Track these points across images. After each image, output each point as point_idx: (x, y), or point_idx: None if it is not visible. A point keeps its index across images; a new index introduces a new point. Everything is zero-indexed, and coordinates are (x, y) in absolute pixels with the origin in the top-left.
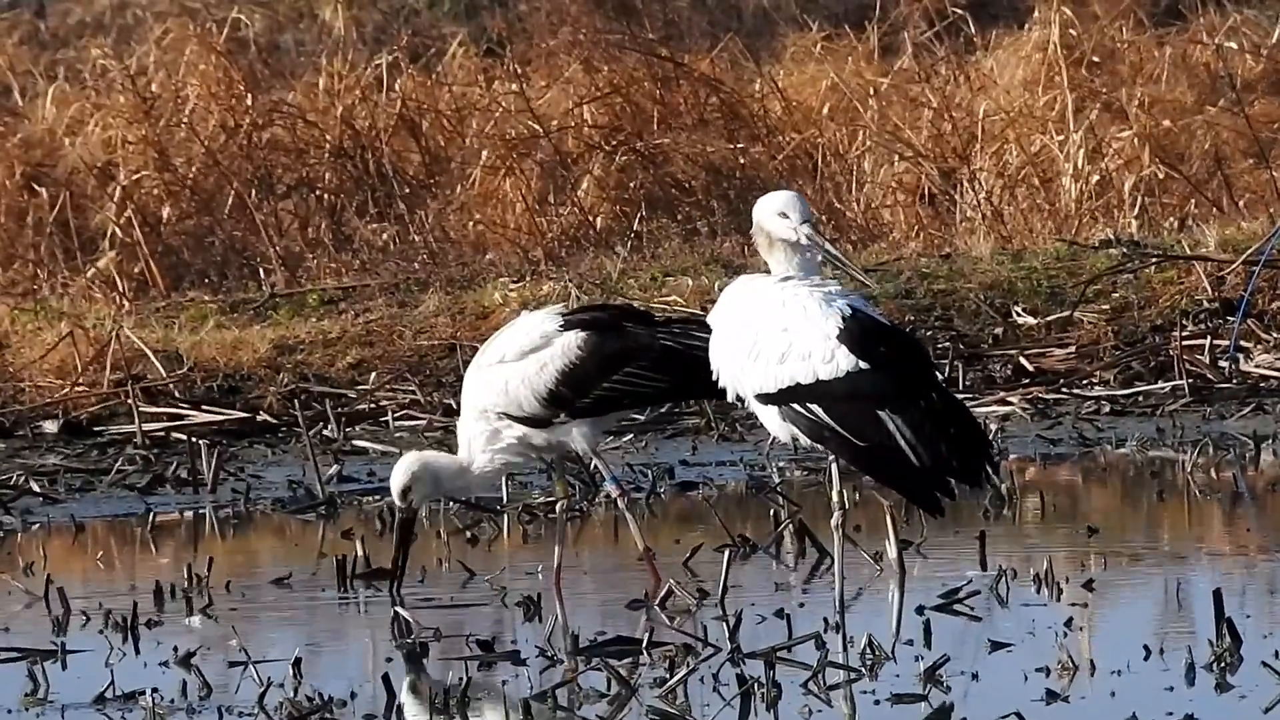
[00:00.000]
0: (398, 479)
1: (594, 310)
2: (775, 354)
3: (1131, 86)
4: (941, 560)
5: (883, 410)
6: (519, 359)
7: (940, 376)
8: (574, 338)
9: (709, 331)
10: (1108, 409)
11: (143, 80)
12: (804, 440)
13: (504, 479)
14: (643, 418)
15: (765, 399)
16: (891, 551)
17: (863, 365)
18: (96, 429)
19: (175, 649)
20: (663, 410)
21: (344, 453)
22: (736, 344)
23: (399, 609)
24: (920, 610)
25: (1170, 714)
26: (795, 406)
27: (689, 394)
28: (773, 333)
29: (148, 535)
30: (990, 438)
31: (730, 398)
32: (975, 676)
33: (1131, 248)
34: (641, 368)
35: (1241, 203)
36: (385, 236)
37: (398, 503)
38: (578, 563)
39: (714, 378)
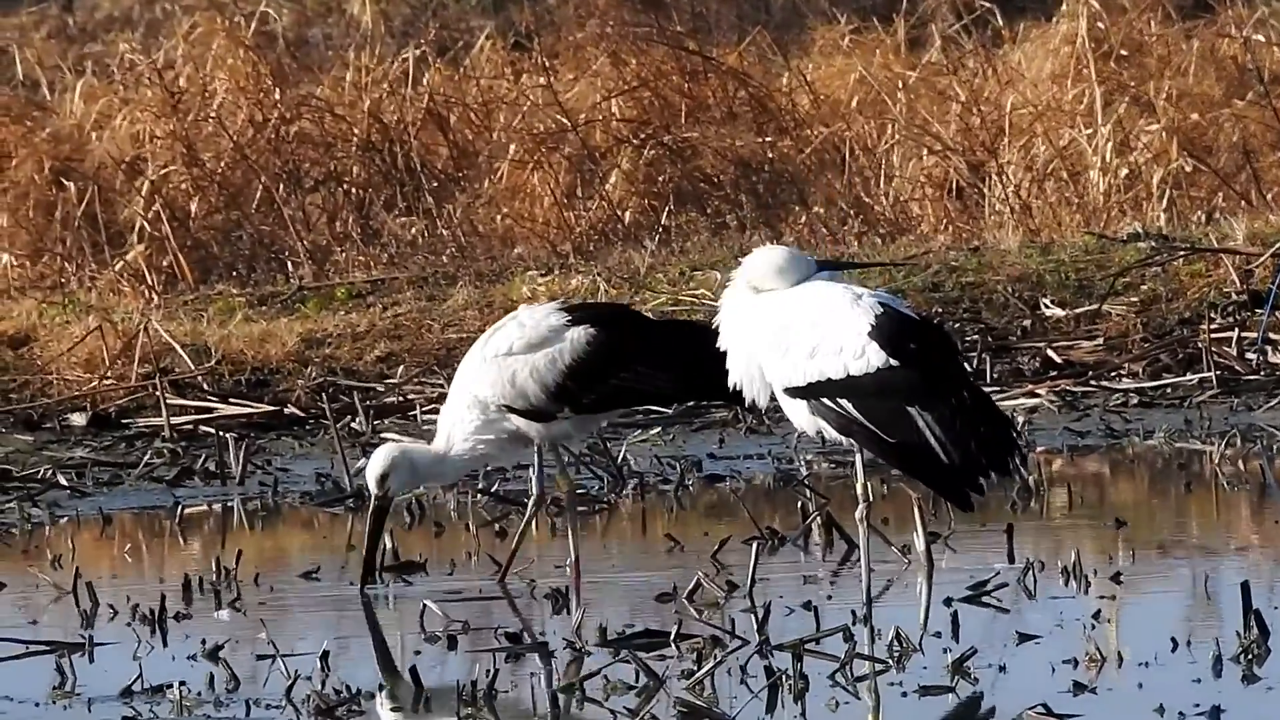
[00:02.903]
0: (375, 467)
1: (594, 308)
2: (805, 348)
3: (1159, 79)
4: (969, 552)
5: (912, 407)
6: (528, 352)
7: (969, 370)
8: (584, 333)
9: (707, 333)
10: (1135, 401)
11: (170, 74)
12: (830, 434)
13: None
14: (671, 411)
15: (794, 393)
16: (919, 544)
17: (893, 362)
18: (124, 422)
19: (203, 642)
20: (689, 404)
21: (372, 446)
22: (762, 339)
23: (428, 602)
24: (948, 602)
25: (1197, 705)
26: (825, 401)
27: (689, 395)
28: (803, 327)
29: (176, 528)
30: (1018, 432)
31: (748, 400)
32: (1003, 668)
33: (1159, 240)
34: (648, 366)
35: (1270, 195)
36: (413, 230)
37: (374, 490)
38: (606, 555)
39: (721, 379)
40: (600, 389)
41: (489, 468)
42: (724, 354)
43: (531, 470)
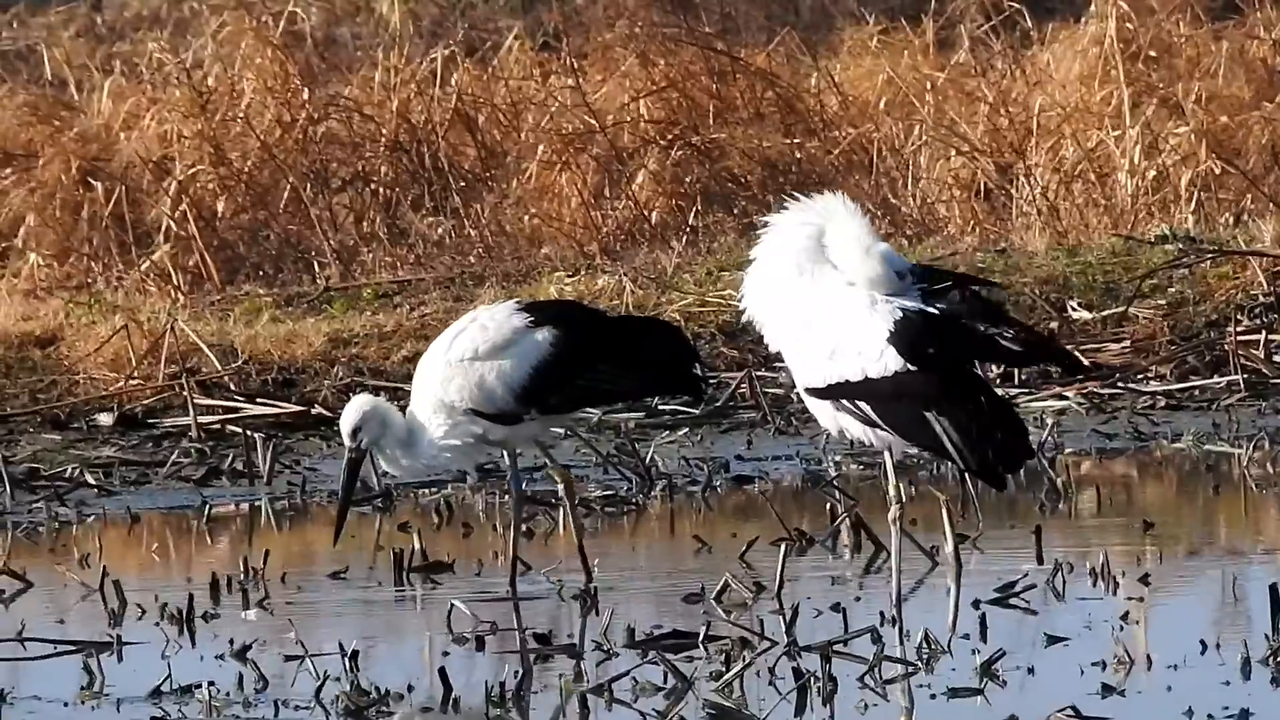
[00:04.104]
0: (349, 418)
1: (553, 307)
2: (825, 350)
3: (1188, 81)
4: (997, 554)
5: (929, 411)
6: (493, 355)
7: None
8: (549, 334)
9: (667, 329)
10: (1163, 404)
11: (199, 74)
12: (854, 433)
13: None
14: (698, 411)
15: (814, 393)
16: (948, 545)
17: (910, 366)
18: (151, 422)
19: (231, 642)
20: (717, 405)
21: None
22: (784, 331)
23: (456, 602)
24: (976, 604)
25: (1226, 708)
26: (844, 402)
27: (654, 392)
28: (823, 327)
29: (203, 528)
30: (1034, 441)
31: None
32: (1031, 670)
33: (1187, 243)
34: (613, 364)
35: None
36: (440, 230)
37: (348, 443)
38: (634, 556)
39: (684, 375)
40: (567, 389)
41: (487, 466)
42: (686, 350)
43: (509, 472)
